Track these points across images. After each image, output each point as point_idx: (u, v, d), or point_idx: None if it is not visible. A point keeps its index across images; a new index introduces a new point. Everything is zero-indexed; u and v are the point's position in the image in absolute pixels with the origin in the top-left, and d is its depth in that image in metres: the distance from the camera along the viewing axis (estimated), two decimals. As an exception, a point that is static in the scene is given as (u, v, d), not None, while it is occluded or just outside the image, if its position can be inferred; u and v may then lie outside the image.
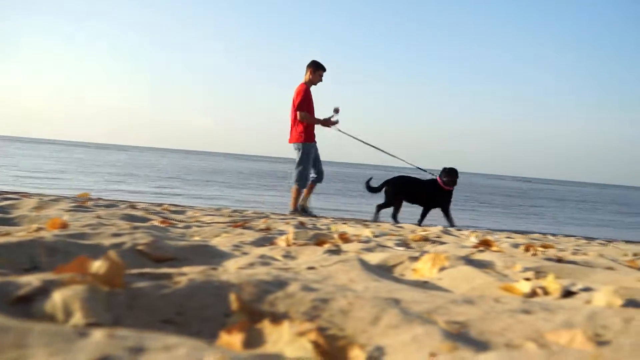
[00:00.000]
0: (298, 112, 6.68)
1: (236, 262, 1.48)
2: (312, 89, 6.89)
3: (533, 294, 1.20)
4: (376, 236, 3.10)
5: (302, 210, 6.70)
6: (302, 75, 6.96)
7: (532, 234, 5.90)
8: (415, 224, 6.15)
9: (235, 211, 5.28)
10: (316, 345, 0.70)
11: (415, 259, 1.66)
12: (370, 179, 7.54)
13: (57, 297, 0.78)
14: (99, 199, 5.54)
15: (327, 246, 1.93)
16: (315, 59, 6.85)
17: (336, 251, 1.71)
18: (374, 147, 7.67)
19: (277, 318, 0.83)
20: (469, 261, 1.65)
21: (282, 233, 2.65)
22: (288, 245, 1.99)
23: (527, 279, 1.34)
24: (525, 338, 0.78)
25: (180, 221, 3.19)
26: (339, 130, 7.08)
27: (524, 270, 1.58)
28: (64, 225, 1.87)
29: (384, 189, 7.36)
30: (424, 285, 1.36)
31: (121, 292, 0.85)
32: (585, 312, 0.87)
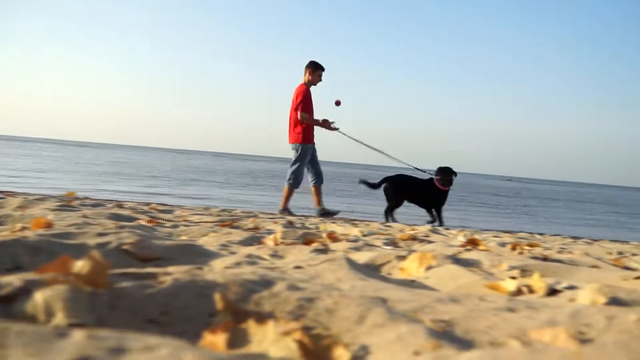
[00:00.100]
0: (298, 113, 6.67)
1: (223, 261, 1.48)
2: (312, 89, 6.87)
3: (518, 292, 1.21)
4: (365, 235, 3.10)
5: (323, 213, 6.68)
6: (301, 76, 6.94)
7: (520, 233, 5.94)
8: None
9: (223, 210, 5.25)
10: (301, 344, 0.70)
11: (402, 258, 1.66)
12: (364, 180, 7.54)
13: (39, 297, 0.77)
14: (86, 198, 5.48)
15: (315, 245, 1.92)
16: (313, 59, 6.83)
17: (324, 250, 1.71)
18: (374, 148, 7.64)
19: (262, 318, 0.83)
20: (455, 260, 1.66)
21: (270, 232, 2.64)
22: (276, 244, 1.98)
23: (513, 278, 1.35)
24: (509, 336, 0.78)
25: (168, 220, 3.17)
26: (341, 132, 7.08)
27: (510, 268, 1.59)
28: (49, 225, 1.84)
29: (382, 187, 7.34)
30: (410, 284, 1.37)
31: (104, 292, 0.84)
32: (569, 310, 0.88)
